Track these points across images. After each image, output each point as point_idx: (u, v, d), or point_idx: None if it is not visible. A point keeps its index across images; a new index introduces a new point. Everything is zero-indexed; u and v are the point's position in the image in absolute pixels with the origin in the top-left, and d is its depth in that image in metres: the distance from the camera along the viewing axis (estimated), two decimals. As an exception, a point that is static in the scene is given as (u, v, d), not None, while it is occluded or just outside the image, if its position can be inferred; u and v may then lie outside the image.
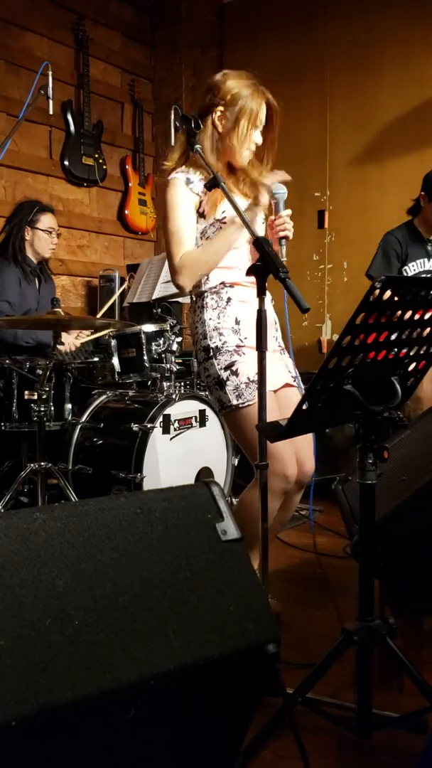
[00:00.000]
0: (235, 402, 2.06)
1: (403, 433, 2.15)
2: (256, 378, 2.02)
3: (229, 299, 2.13)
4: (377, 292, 1.25)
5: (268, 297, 2.26)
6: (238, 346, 2.09)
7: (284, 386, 2.20)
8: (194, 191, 2.12)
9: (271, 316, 2.26)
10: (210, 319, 2.12)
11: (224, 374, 2.08)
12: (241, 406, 2.06)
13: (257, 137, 2.17)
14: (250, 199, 2.23)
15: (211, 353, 2.11)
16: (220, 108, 2.12)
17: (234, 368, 2.07)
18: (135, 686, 1.01)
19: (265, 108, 2.16)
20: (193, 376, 3.43)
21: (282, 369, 2.22)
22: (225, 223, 2.10)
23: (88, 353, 3.66)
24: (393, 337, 1.43)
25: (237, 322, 2.11)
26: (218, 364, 2.09)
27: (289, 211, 2.11)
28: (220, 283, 2.14)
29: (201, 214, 2.13)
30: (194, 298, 2.20)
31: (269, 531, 1.86)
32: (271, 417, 1.95)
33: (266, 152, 2.24)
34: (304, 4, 4.46)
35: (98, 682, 0.99)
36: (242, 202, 2.20)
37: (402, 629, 1.80)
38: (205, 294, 2.15)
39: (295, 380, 2.24)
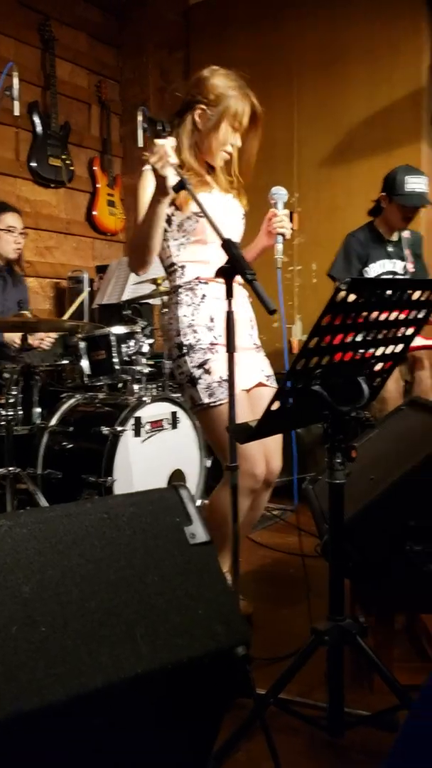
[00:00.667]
0: (206, 400, 2.06)
1: (371, 433, 2.17)
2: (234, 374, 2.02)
3: (204, 296, 2.12)
4: (342, 293, 1.26)
5: (244, 293, 2.27)
6: (211, 344, 2.08)
7: (257, 385, 2.20)
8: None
9: (248, 313, 2.26)
10: (184, 315, 2.11)
11: (197, 372, 2.07)
12: (212, 404, 2.05)
13: (236, 141, 2.15)
14: (231, 193, 2.23)
15: (185, 350, 2.10)
16: (202, 106, 2.10)
17: (207, 366, 2.07)
18: (103, 692, 1.01)
19: (249, 112, 2.14)
20: (165, 378, 3.42)
21: (255, 368, 2.22)
22: (202, 216, 2.07)
23: (56, 356, 3.62)
24: (359, 338, 1.44)
25: (211, 320, 2.10)
26: (191, 362, 2.08)
27: (286, 211, 2.11)
28: (195, 278, 2.13)
29: (177, 207, 2.10)
30: (169, 293, 2.19)
31: (239, 531, 1.86)
32: (243, 417, 1.95)
33: (242, 163, 2.23)
34: (269, 7, 4.47)
35: (66, 689, 0.98)
36: (222, 197, 2.19)
37: (372, 628, 1.81)
38: (180, 289, 2.14)
39: (268, 379, 2.24)
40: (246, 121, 2.14)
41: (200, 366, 2.07)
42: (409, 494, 1.64)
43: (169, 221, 2.13)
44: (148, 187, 2.06)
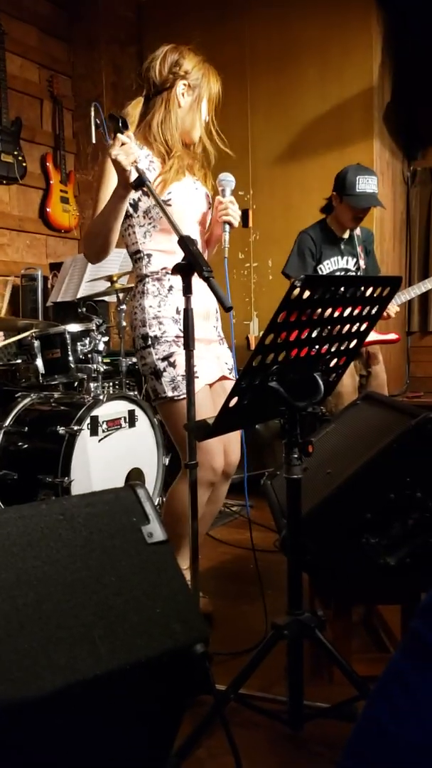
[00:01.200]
0: (170, 394, 2.05)
1: (328, 427, 2.19)
2: (194, 371, 2.02)
3: (171, 287, 2.10)
4: (297, 290, 1.27)
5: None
6: (177, 337, 2.07)
7: (220, 379, 2.20)
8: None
9: (213, 305, 2.23)
10: (150, 306, 2.09)
11: (161, 365, 2.06)
12: (176, 398, 2.05)
13: (206, 112, 2.18)
14: (197, 178, 2.22)
15: (150, 342, 2.08)
16: (186, 82, 2.12)
17: (172, 360, 2.05)
18: (61, 694, 0.99)
19: (216, 80, 2.20)
20: (122, 376, 3.40)
21: (219, 361, 2.22)
22: (170, 205, 2.06)
23: (10, 355, 3.56)
24: (314, 334, 1.45)
25: (178, 312, 2.08)
26: (156, 354, 2.07)
27: (232, 198, 2.09)
28: (162, 269, 2.10)
29: (145, 193, 2.07)
30: (135, 282, 2.17)
31: (199, 525, 1.86)
32: (205, 412, 1.95)
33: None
34: (221, 5, 4.47)
35: (23, 692, 0.96)
36: (192, 184, 2.18)
37: (331, 621, 1.84)
38: (147, 279, 2.11)
39: (231, 372, 2.23)
40: (217, 90, 2.19)
41: (165, 359, 2.06)
42: (365, 487, 1.66)
43: (135, 206, 2.10)
44: (111, 178, 2.04)
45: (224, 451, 2.13)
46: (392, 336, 3.50)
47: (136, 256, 2.15)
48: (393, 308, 3.17)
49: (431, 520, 1.66)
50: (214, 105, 2.18)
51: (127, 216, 2.10)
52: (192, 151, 2.23)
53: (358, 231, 3.34)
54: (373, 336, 3.12)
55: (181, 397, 2.04)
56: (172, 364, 2.05)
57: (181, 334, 2.07)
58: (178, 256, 2.08)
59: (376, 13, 4.04)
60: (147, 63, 2.17)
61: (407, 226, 4.75)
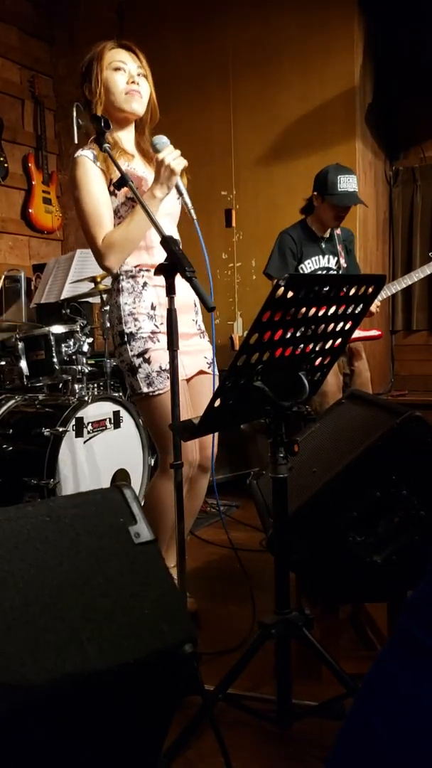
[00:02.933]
0: (145, 390, 2.05)
1: (313, 426, 2.20)
2: (168, 367, 2.01)
3: (145, 284, 2.09)
4: (281, 290, 1.27)
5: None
6: (153, 333, 2.07)
7: (198, 374, 2.20)
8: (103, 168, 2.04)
9: (192, 298, 2.19)
10: (125, 303, 2.08)
11: (137, 361, 2.06)
12: (151, 394, 2.05)
13: (121, 79, 2.10)
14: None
15: (126, 339, 2.07)
16: (86, 85, 2.15)
17: (147, 356, 2.05)
18: (49, 697, 0.99)
19: (124, 53, 2.13)
20: (107, 377, 3.39)
21: (198, 355, 2.21)
22: (135, 203, 2.04)
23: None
24: (298, 333, 1.45)
25: (153, 308, 2.08)
26: (131, 351, 2.07)
27: (170, 147, 1.99)
28: (136, 266, 2.09)
29: (112, 192, 2.06)
30: (111, 281, 2.15)
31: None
32: (181, 408, 1.94)
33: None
34: (203, 6, 4.47)
35: (10, 696, 0.95)
36: (149, 174, 2.16)
37: (318, 619, 1.84)
38: (121, 277, 2.10)
39: (209, 367, 2.22)
40: (118, 58, 2.12)
41: (140, 355, 2.06)
42: (350, 486, 1.67)
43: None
44: (94, 180, 2.03)
45: (200, 444, 2.14)
46: (375, 332, 3.52)
47: None
48: (375, 305, 3.19)
49: (417, 517, 1.67)
50: (120, 70, 2.12)
51: None
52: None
53: (338, 230, 3.35)
54: (355, 333, 3.13)
55: (156, 393, 2.04)
56: (147, 360, 2.05)
57: (157, 330, 2.07)
58: (151, 251, 2.08)
59: (358, 15, 4.06)
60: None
61: (390, 225, 4.78)
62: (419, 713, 0.73)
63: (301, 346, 1.50)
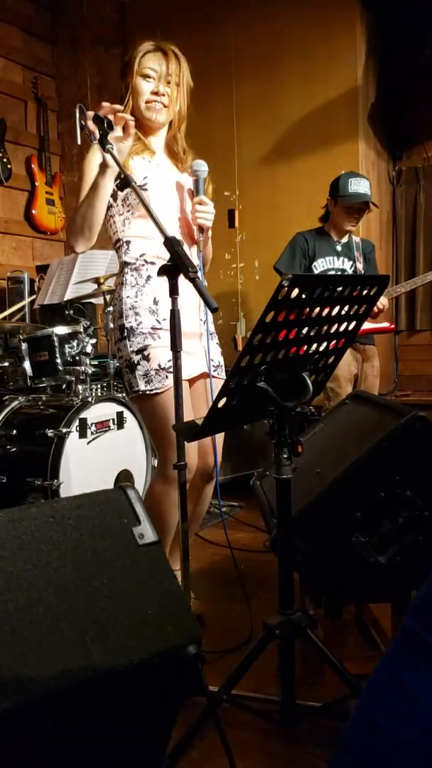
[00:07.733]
0: (143, 388, 2.02)
1: (317, 427, 2.20)
2: (167, 365, 1.99)
3: (149, 277, 2.07)
4: (285, 290, 1.27)
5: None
6: (153, 328, 2.04)
7: (200, 376, 2.16)
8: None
9: (197, 298, 2.19)
10: (127, 297, 2.07)
11: (135, 358, 2.03)
12: (149, 392, 2.01)
13: (147, 87, 2.11)
14: (175, 162, 2.22)
15: (125, 333, 2.05)
16: (123, 84, 2.14)
17: (146, 353, 2.02)
18: (53, 697, 0.99)
19: (159, 58, 2.11)
20: (110, 378, 3.39)
21: (201, 356, 2.15)
22: (147, 189, 2.05)
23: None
24: (302, 333, 1.45)
25: (155, 302, 2.06)
26: (130, 347, 2.04)
27: (203, 198, 2.09)
28: (141, 256, 2.08)
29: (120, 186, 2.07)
30: (118, 273, 2.15)
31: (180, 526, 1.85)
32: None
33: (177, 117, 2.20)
34: (206, 5, 4.47)
35: (15, 696, 0.95)
36: (169, 170, 2.18)
37: (322, 620, 1.84)
38: (126, 268, 2.09)
39: (216, 369, 2.18)
40: (151, 66, 2.10)
41: (139, 352, 2.03)
42: (354, 486, 1.67)
43: (114, 196, 2.09)
44: (93, 161, 2.04)
45: (201, 451, 2.11)
46: (386, 324, 3.49)
47: (117, 244, 2.15)
48: (384, 301, 3.18)
49: (421, 518, 1.66)
50: (149, 77, 2.12)
51: (108, 207, 2.09)
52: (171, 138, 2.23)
53: (357, 239, 3.37)
54: (366, 325, 3.11)
55: (154, 391, 2.01)
56: (146, 358, 2.02)
57: (158, 326, 2.04)
58: (157, 241, 2.06)
59: (360, 15, 4.05)
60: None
61: (393, 225, 4.78)
62: (424, 713, 0.73)
63: (305, 346, 1.50)
